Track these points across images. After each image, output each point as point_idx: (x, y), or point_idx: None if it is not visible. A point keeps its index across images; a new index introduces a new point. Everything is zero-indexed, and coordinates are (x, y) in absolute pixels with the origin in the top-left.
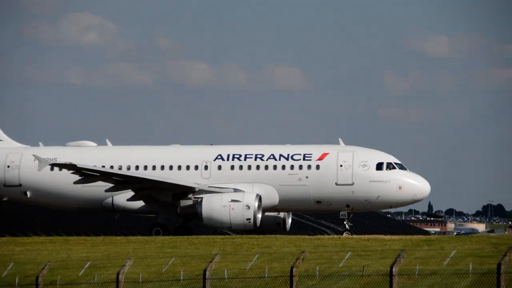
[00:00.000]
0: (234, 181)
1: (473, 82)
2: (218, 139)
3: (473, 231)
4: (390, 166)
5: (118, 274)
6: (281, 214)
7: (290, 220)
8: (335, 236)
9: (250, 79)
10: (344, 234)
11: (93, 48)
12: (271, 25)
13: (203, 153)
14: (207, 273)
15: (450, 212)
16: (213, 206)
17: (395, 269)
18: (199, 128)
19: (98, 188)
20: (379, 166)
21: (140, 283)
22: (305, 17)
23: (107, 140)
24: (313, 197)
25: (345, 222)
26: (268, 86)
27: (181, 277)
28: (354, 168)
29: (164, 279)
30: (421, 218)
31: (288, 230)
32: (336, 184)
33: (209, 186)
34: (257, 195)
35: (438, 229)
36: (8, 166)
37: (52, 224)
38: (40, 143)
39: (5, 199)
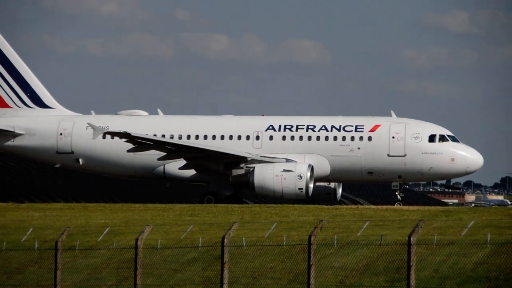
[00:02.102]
0: (286, 152)
1: (493, 58)
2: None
3: (503, 203)
4: (442, 138)
5: (136, 240)
6: (332, 184)
7: (340, 190)
8: (353, 206)
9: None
10: (396, 205)
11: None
12: None
13: (254, 124)
14: (226, 240)
15: (468, 184)
16: (265, 176)
17: (413, 239)
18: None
19: (150, 156)
20: (431, 138)
21: (159, 249)
22: None
23: (158, 110)
24: (365, 168)
25: (396, 193)
26: (291, 59)
27: (200, 244)
28: (407, 140)
29: (182, 245)
30: (439, 190)
31: (338, 200)
32: (388, 155)
33: (261, 156)
34: (309, 165)
35: (456, 201)
36: (61, 134)
37: (102, 192)
38: (92, 112)
39: (57, 165)
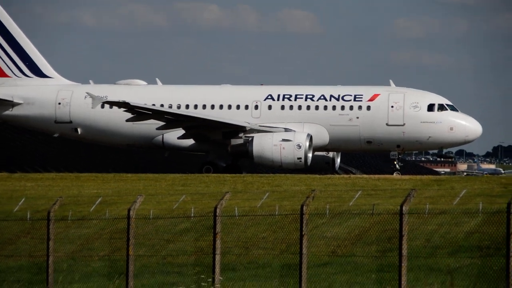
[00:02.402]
0: (284, 121)
1: (480, 28)
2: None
3: (496, 172)
4: (441, 107)
5: (129, 210)
6: (330, 154)
7: (339, 160)
8: (345, 175)
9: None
10: (394, 174)
11: None
12: None
13: (253, 93)
14: (218, 210)
15: (460, 153)
16: (264, 145)
17: (405, 208)
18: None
19: (149, 126)
20: (430, 107)
21: (151, 220)
22: None
23: (157, 79)
24: (363, 137)
25: (395, 162)
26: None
27: (192, 214)
28: (405, 109)
29: (175, 215)
30: (431, 159)
31: (337, 169)
32: (387, 124)
33: (259, 126)
34: (308, 134)
35: (448, 170)
36: (59, 103)
37: (101, 161)
38: (91, 81)
39: (56, 135)
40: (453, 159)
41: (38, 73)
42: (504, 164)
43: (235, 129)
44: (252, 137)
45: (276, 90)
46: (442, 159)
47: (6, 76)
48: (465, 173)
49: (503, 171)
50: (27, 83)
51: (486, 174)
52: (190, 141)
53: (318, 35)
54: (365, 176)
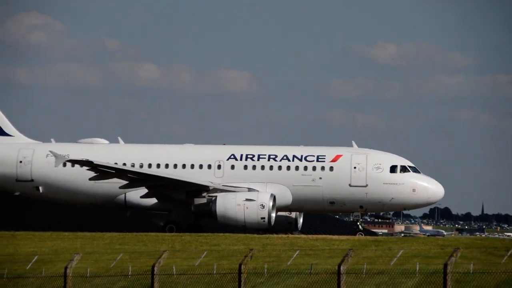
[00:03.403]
0: (247, 181)
1: (416, 89)
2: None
3: (439, 234)
4: (404, 169)
5: (66, 268)
6: (293, 214)
7: (301, 220)
8: (284, 235)
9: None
10: (357, 235)
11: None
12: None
13: (216, 153)
14: (156, 268)
15: (397, 214)
16: (228, 205)
17: (343, 268)
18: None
19: (111, 184)
20: (393, 169)
21: (88, 278)
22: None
23: (119, 138)
24: (326, 197)
25: (358, 223)
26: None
27: (130, 273)
28: (368, 170)
29: (112, 274)
30: (369, 220)
31: (299, 229)
32: (350, 185)
33: (223, 185)
34: (272, 194)
35: (385, 231)
36: (20, 161)
37: (62, 221)
38: (52, 139)
39: (17, 193)
40: (390, 220)
41: None
42: (441, 225)
43: (198, 188)
44: (216, 196)
45: (239, 150)
46: (380, 220)
47: None
48: (402, 234)
49: (445, 233)
50: None
51: (428, 235)
52: (153, 200)
53: (248, 96)
54: (303, 236)
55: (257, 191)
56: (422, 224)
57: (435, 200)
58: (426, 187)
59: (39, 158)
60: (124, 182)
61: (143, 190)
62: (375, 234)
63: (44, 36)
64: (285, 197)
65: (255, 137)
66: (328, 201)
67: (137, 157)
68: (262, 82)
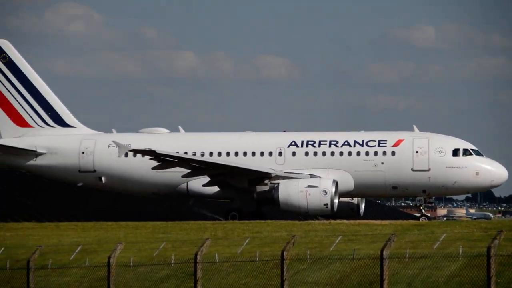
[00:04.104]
0: (309, 167)
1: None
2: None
3: (485, 217)
4: (466, 152)
5: (109, 258)
6: (355, 200)
7: (363, 206)
8: (326, 221)
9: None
10: (421, 220)
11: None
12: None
13: (276, 140)
14: (198, 256)
15: (439, 198)
16: (290, 192)
17: (385, 253)
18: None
19: (173, 174)
20: (455, 152)
21: (132, 267)
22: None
23: (179, 127)
24: (389, 182)
25: (421, 208)
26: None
27: (173, 261)
28: (430, 154)
29: (155, 262)
30: (411, 204)
31: (361, 215)
32: (412, 170)
33: (285, 172)
34: (334, 180)
35: (428, 215)
36: (83, 152)
37: (122, 210)
38: (114, 130)
39: (80, 184)
40: (432, 204)
41: (61, 122)
42: (484, 208)
43: (261, 176)
44: (278, 183)
45: (300, 136)
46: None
47: (28, 126)
48: (445, 218)
49: (491, 216)
50: (50, 132)
51: (475, 219)
52: (215, 189)
53: (288, 82)
54: (345, 221)
55: (319, 177)
56: (460, 208)
57: (498, 183)
58: (490, 170)
59: (101, 148)
60: (186, 171)
61: (205, 179)
62: (417, 218)
63: (82, 27)
64: (347, 183)
65: (296, 124)
66: (390, 186)
67: (198, 146)
68: (302, 68)
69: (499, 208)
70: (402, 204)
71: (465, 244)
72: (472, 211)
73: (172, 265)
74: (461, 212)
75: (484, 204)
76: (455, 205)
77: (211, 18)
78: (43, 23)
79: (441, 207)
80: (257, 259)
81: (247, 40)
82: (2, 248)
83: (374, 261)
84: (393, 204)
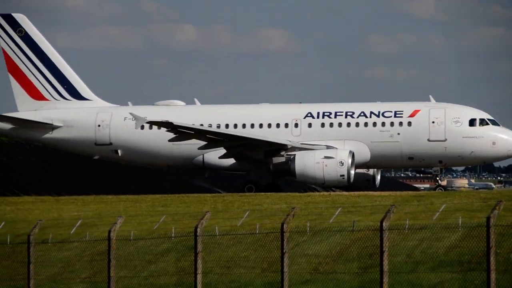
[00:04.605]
0: (325, 139)
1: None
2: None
3: (487, 187)
4: (483, 122)
5: (109, 231)
6: (370, 171)
7: (379, 177)
8: (325, 193)
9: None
10: (437, 190)
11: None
12: None
13: (292, 111)
14: (198, 230)
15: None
16: (307, 163)
17: (385, 224)
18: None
19: (189, 146)
20: (471, 122)
21: (132, 241)
22: None
23: (195, 100)
24: (405, 153)
25: (438, 178)
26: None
27: (173, 234)
28: (447, 124)
29: (155, 236)
30: (410, 175)
31: (377, 186)
32: (429, 140)
33: (301, 143)
34: (350, 151)
35: (428, 185)
36: (99, 125)
37: (136, 181)
38: (129, 103)
39: (96, 157)
40: (432, 175)
41: (77, 95)
42: (483, 178)
43: (277, 148)
44: (294, 155)
45: (315, 108)
46: (422, 174)
47: (45, 99)
48: (461, 188)
49: (494, 186)
50: (66, 106)
51: (477, 188)
52: (231, 161)
53: (288, 54)
54: (345, 193)
55: (336, 148)
56: (459, 178)
57: None
58: (506, 140)
59: (117, 121)
60: (203, 143)
61: (221, 151)
62: (417, 189)
63: (82, 1)
64: (363, 154)
65: (298, 96)
66: (407, 156)
67: (214, 118)
68: (301, 40)
69: (499, 178)
70: (402, 175)
71: (464, 214)
72: (472, 181)
73: (173, 238)
74: (460, 182)
75: (483, 174)
76: (454, 175)
77: None
78: None
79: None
80: (257, 231)
81: (253, 13)
82: (3, 223)
83: (373, 233)
84: (393, 175)
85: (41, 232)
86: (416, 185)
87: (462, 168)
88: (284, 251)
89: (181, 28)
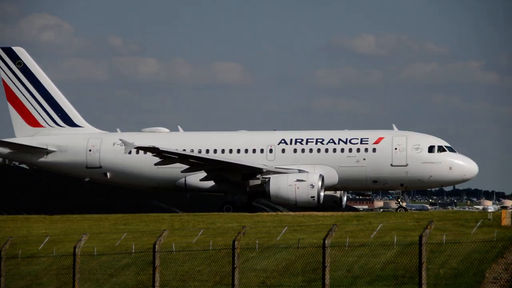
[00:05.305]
0: (297, 163)
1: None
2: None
3: (424, 208)
4: (441, 148)
5: (74, 247)
6: (337, 193)
7: (345, 198)
8: (273, 213)
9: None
10: (398, 211)
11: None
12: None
13: (267, 138)
14: (157, 246)
15: (377, 191)
16: (280, 185)
17: (327, 242)
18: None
19: (172, 169)
20: (430, 149)
21: (95, 256)
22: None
23: (179, 127)
24: (370, 177)
25: (399, 200)
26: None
27: (133, 250)
28: (408, 151)
29: (117, 252)
30: (350, 197)
31: (344, 207)
32: (392, 165)
33: (275, 167)
34: (320, 175)
35: (366, 207)
36: (90, 150)
37: (126, 205)
38: (118, 129)
39: (87, 179)
40: (370, 197)
41: (70, 122)
42: (416, 200)
43: (253, 171)
44: (269, 178)
45: (289, 135)
46: (361, 196)
47: (40, 126)
48: (381, 210)
49: (429, 207)
50: (60, 132)
51: (414, 209)
52: (210, 183)
53: (240, 86)
54: (291, 213)
55: (307, 172)
56: (402, 200)
57: (470, 177)
58: (462, 165)
59: (106, 146)
60: (185, 166)
61: (202, 174)
62: (357, 210)
63: (54, 36)
64: (332, 177)
65: (251, 124)
66: (371, 180)
67: (196, 144)
68: (253, 73)
69: (430, 200)
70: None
71: (399, 233)
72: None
73: (133, 254)
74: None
75: (416, 196)
76: (390, 197)
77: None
78: (16, 33)
79: (378, 199)
80: (211, 248)
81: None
82: None
83: (317, 250)
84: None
85: (11, 248)
86: (356, 206)
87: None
88: (235, 266)
89: (143, 61)
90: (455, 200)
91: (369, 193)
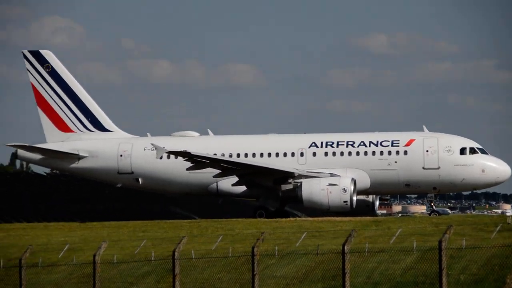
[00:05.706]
0: (328, 167)
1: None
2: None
3: (444, 212)
4: (472, 150)
5: (94, 255)
6: (370, 197)
7: (378, 203)
8: (292, 218)
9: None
10: (432, 215)
11: None
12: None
13: (298, 141)
14: (176, 253)
15: (394, 195)
16: (313, 190)
17: (346, 248)
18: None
19: (204, 174)
20: (462, 151)
21: (115, 264)
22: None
23: (208, 130)
24: (402, 180)
25: (432, 203)
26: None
27: (152, 258)
28: (440, 153)
29: (136, 259)
30: None
31: (376, 212)
32: (423, 168)
33: (307, 171)
34: (352, 179)
35: (384, 211)
36: (121, 155)
37: (144, 211)
38: (148, 134)
39: (119, 185)
40: (388, 201)
41: (100, 127)
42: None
43: (285, 175)
44: (301, 182)
45: (319, 138)
46: (379, 201)
47: (71, 131)
48: (400, 214)
49: (450, 211)
50: (91, 137)
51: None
52: (242, 188)
53: (254, 88)
54: (309, 218)
55: (339, 176)
56: (413, 205)
57: (503, 179)
58: (495, 168)
59: (137, 151)
60: (217, 171)
61: (234, 179)
62: (375, 215)
63: (66, 39)
64: (364, 181)
65: (264, 127)
66: (403, 183)
67: (226, 148)
68: (267, 74)
69: (449, 204)
70: None
71: (418, 238)
72: (423, 207)
73: (152, 261)
74: (414, 208)
75: (435, 201)
76: (408, 202)
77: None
78: (29, 35)
79: (396, 204)
80: (230, 255)
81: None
82: None
83: (336, 256)
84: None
85: (31, 256)
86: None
87: (416, 195)
88: (255, 273)
89: (157, 65)
90: (474, 204)
91: (387, 197)
